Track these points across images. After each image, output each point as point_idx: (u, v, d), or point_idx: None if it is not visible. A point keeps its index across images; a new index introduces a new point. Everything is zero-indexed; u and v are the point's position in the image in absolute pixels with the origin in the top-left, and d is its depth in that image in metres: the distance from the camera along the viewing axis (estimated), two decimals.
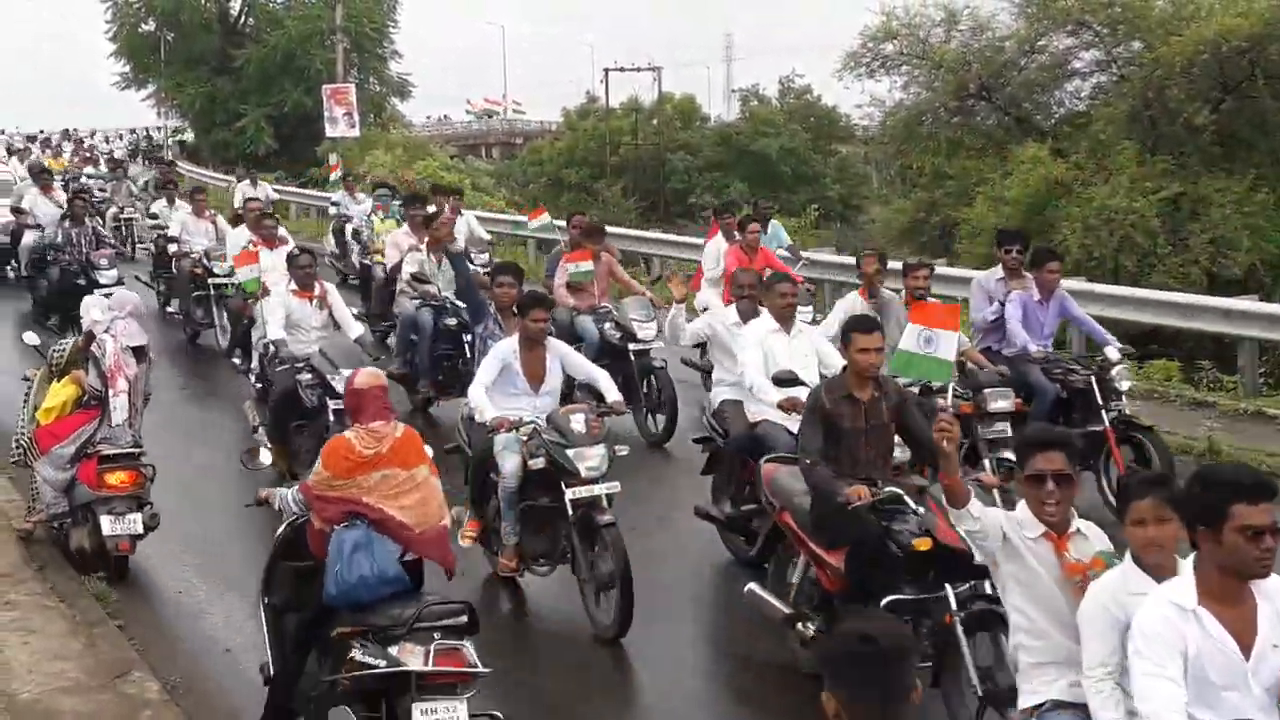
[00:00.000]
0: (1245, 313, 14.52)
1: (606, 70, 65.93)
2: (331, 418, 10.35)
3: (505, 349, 8.90)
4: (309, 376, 10.99)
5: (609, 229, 28.84)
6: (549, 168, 64.74)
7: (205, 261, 17.40)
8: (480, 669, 6.01)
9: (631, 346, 12.97)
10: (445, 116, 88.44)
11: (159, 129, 71.90)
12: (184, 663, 7.95)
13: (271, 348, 11.70)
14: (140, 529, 9.22)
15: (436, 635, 5.99)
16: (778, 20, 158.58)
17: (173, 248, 18.30)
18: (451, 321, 13.28)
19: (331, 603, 6.27)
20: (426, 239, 13.78)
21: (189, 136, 66.50)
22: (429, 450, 6.80)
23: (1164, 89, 27.55)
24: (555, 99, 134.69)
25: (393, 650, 5.98)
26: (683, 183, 61.57)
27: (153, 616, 8.72)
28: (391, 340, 14.82)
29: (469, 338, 12.22)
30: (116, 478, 9.19)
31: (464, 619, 6.11)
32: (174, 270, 18.53)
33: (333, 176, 26.43)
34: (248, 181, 27.36)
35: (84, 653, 7.77)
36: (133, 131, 74.60)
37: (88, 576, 9.06)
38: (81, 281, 17.24)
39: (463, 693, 5.99)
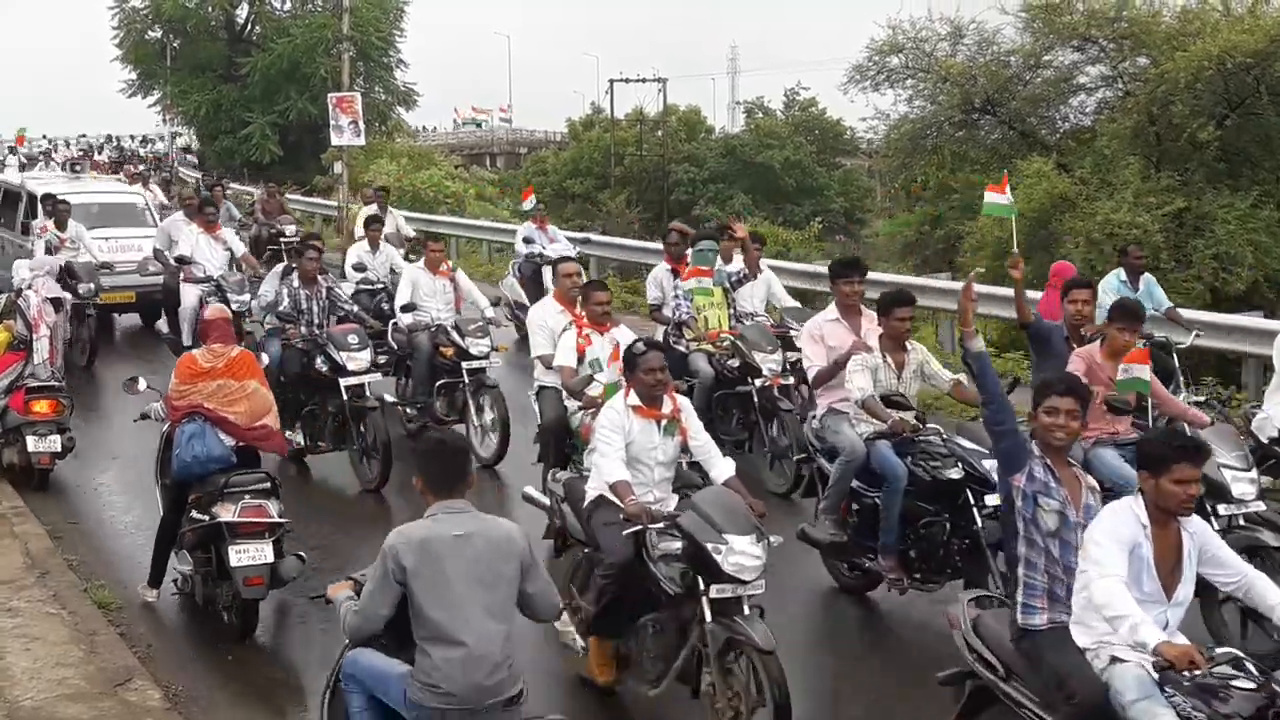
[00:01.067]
0: (1248, 329, 14.51)
1: (612, 81, 65.98)
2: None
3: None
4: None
5: (610, 240, 28.87)
6: (553, 178, 64.79)
7: (455, 336, 12.92)
8: (279, 520, 8.41)
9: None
10: (434, 128, 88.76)
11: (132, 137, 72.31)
12: (186, 670, 7.94)
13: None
14: (59, 448, 11.63)
15: (246, 496, 8.37)
16: (783, 33, 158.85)
17: (406, 319, 13.30)
18: None
19: (177, 476, 8.67)
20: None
21: (193, 143, 66.56)
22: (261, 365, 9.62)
23: (1169, 105, 27.54)
24: (560, 109, 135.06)
25: (214, 509, 8.34)
26: (687, 194, 61.59)
27: (154, 624, 8.71)
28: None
29: None
30: (40, 406, 11.61)
31: (266, 485, 8.55)
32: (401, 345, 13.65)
33: (526, 205, 20.01)
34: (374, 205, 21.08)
35: (86, 660, 7.78)
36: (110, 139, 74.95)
37: (90, 583, 9.08)
38: (323, 368, 12.03)
39: (269, 538, 8.32)
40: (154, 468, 9.59)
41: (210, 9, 59.03)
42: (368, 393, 11.78)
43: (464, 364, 12.52)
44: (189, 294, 15.94)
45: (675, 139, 65.60)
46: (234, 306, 14.40)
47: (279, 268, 14.42)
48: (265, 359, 11.53)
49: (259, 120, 55.42)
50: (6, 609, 8.51)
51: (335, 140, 36.56)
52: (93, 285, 16.17)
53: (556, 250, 17.92)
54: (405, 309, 13.16)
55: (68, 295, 14.63)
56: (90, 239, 17.81)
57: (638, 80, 66.53)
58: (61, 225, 17.50)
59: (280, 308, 12.44)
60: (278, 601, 8.98)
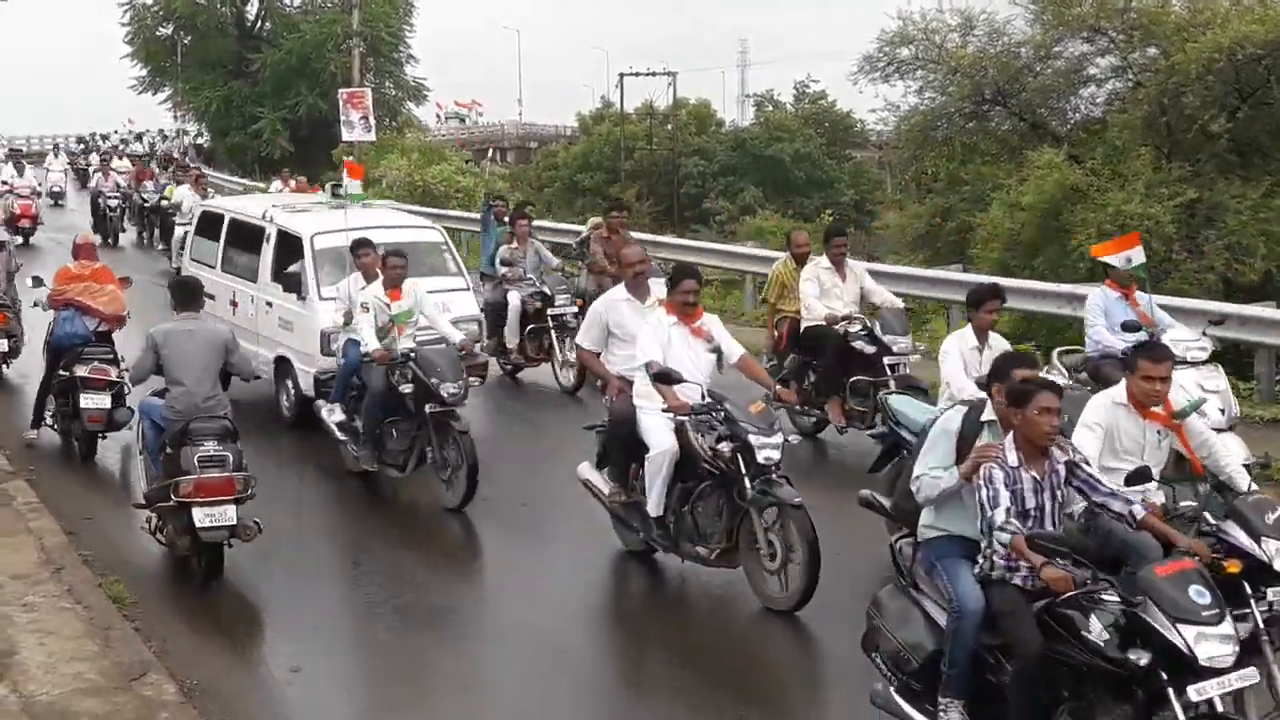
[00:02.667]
0: (1261, 319, 14.49)
1: (621, 75, 65.90)
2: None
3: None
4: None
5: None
6: (564, 172, 64.82)
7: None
8: (117, 378, 12.38)
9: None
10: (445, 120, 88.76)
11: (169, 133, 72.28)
12: (201, 664, 7.97)
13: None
14: (6, 348, 15.39)
15: (95, 361, 12.44)
16: (792, 26, 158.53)
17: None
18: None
19: (55, 345, 12.87)
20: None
21: (202, 139, 66.64)
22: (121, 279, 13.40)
23: (1180, 95, 27.46)
24: (570, 103, 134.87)
25: (76, 368, 12.38)
26: (697, 187, 61.57)
27: (169, 618, 8.74)
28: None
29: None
30: None
31: (110, 354, 12.62)
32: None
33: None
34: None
35: (101, 654, 7.80)
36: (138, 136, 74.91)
37: (104, 578, 9.13)
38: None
39: (108, 391, 12.39)
40: (43, 342, 13.47)
41: (221, 5, 59.16)
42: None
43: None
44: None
45: (685, 132, 65.55)
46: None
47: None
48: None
49: (270, 116, 55.52)
50: (22, 604, 8.55)
51: (346, 135, 36.69)
52: (459, 388, 11.20)
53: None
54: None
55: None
56: (432, 306, 12.27)
57: (647, 74, 66.50)
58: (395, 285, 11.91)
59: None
60: (289, 593, 9.03)
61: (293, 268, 13.82)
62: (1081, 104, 33.49)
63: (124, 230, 33.11)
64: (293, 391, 13.64)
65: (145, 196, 31.75)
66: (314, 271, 13.48)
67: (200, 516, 9.00)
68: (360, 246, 12.26)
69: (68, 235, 20.41)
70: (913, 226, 35.39)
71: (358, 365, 11.67)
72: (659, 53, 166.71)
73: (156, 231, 30.48)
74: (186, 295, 10.34)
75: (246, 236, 14.89)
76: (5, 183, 32.76)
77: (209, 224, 15.97)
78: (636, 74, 66.23)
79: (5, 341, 15.25)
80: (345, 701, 7.59)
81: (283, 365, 13.74)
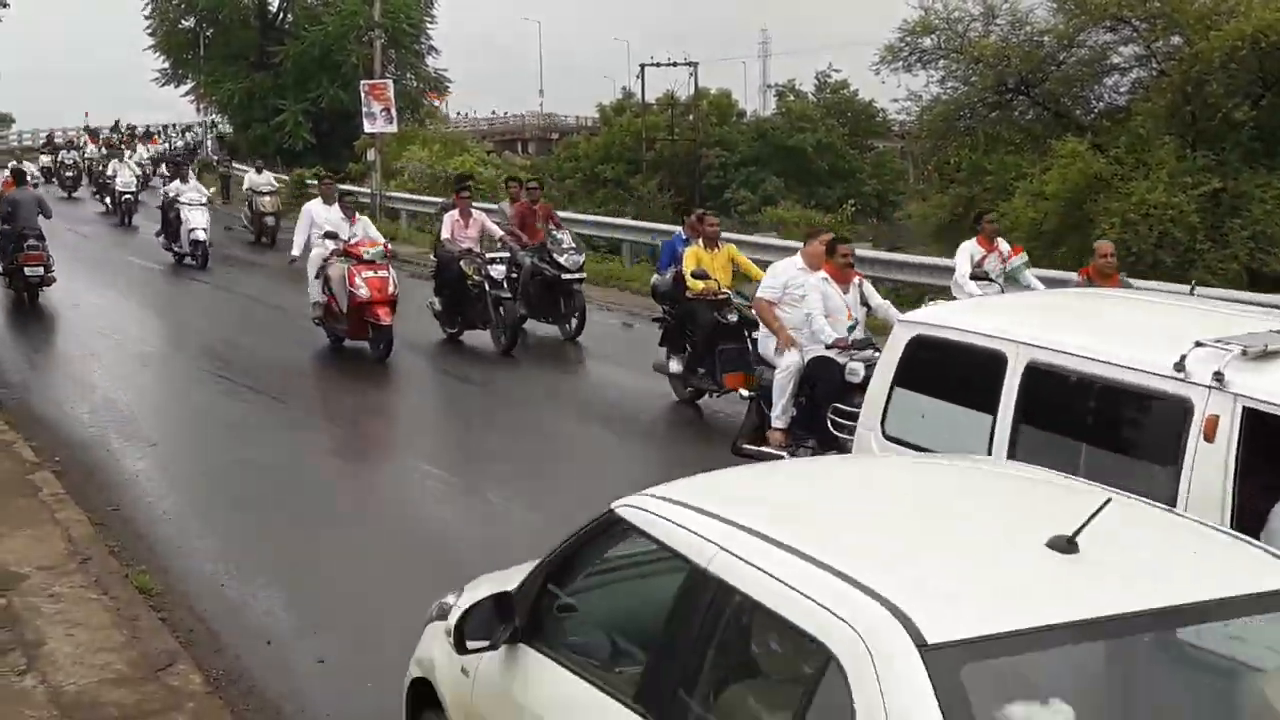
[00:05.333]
0: None
1: (643, 66, 65.83)
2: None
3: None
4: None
5: (641, 225, 29.20)
6: (585, 163, 64.72)
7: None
8: (50, 260, 21.26)
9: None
10: (467, 113, 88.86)
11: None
12: (227, 655, 8.00)
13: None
14: (42, 275, 21.22)
15: (31, 239, 21.10)
16: (814, 16, 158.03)
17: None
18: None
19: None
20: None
21: (208, 131, 66.75)
22: None
23: (1203, 84, 27.34)
24: (591, 94, 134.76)
25: (24, 243, 21.06)
26: (718, 178, 61.46)
27: (196, 609, 8.78)
28: None
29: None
30: None
31: (39, 240, 21.24)
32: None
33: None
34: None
35: (127, 645, 7.84)
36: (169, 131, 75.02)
37: (130, 569, 9.18)
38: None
39: (39, 267, 21.02)
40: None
41: None
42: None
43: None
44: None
45: (706, 123, 65.43)
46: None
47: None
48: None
49: (292, 108, 55.62)
50: (49, 594, 8.59)
51: (368, 127, 36.73)
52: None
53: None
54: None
55: None
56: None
57: (668, 64, 66.36)
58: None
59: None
60: (314, 585, 9.06)
61: None
62: (1105, 93, 33.38)
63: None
64: None
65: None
66: None
67: (28, 271, 20.81)
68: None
69: None
70: (935, 217, 35.27)
71: None
72: (680, 43, 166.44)
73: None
74: (20, 177, 23.79)
75: None
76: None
77: None
78: (657, 64, 66.11)
79: (41, 270, 21.08)
80: (371, 692, 7.60)
81: None
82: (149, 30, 60.42)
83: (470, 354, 18.02)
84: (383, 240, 18.11)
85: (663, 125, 64.54)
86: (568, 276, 18.29)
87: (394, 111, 37.07)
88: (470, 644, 4.92)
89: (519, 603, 4.96)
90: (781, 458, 10.39)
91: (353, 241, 17.42)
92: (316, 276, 17.68)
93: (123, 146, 47.47)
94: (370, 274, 16.82)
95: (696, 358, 13.95)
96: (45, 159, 50.59)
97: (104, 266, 27.70)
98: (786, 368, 11.06)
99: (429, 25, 58.76)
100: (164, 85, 62.89)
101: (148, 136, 59.72)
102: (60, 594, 8.62)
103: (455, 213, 18.45)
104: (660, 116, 65.20)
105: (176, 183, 28.39)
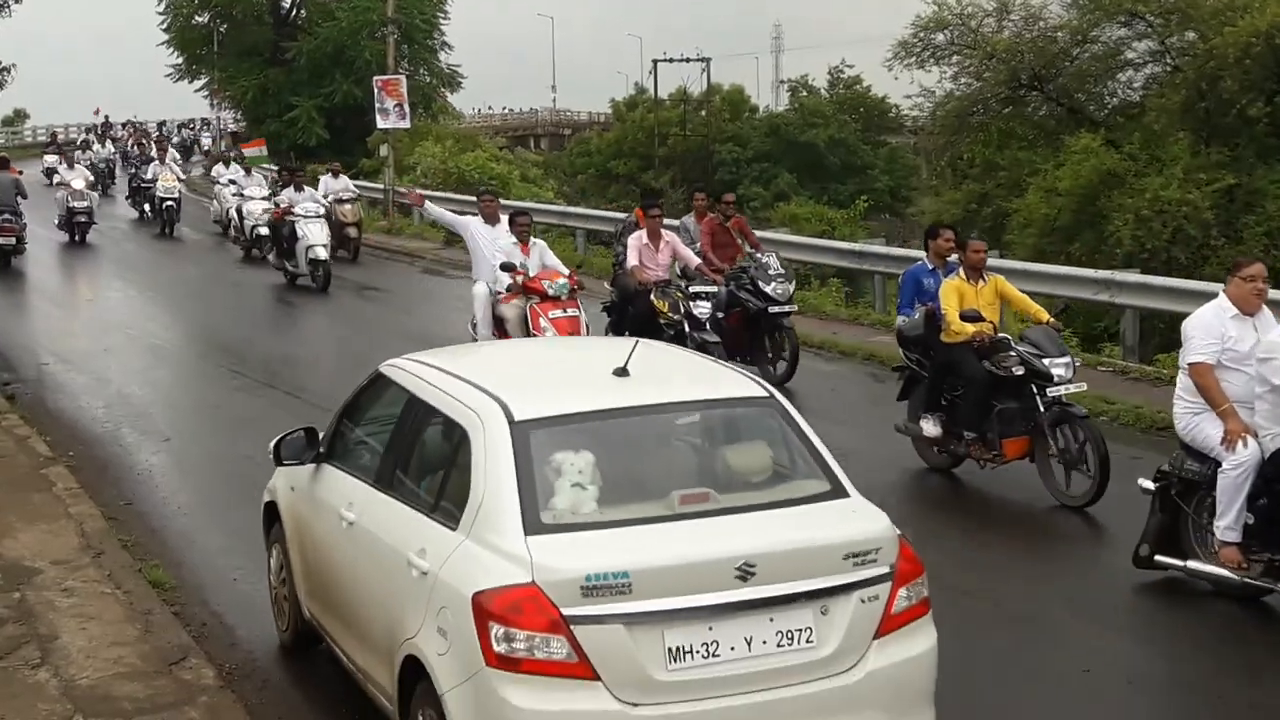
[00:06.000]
0: None
1: (655, 61, 65.94)
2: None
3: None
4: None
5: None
6: (597, 159, 64.79)
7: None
8: (20, 236, 25.76)
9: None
10: (481, 109, 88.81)
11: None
12: (240, 649, 8.02)
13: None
14: (14, 244, 25.39)
15: (7, 214, 25.53)
16: (827, 11, 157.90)
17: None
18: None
19: None
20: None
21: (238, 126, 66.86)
22: None
23: (1218, 80, 27.28)
24: (603, 90, 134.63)
25: None
26: (731, 174, 61.46)
27: (209, 603, 8.80)
28: None
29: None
30: None
31: (13, 216, 25.55)
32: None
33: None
34: None
35: (140, 639, 7.86)
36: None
37: (144, 563, 9.21)
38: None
39: (11, 236, 25.53)
40: None
41: None
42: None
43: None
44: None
45: (719, 118, 65.44)
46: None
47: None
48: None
49: (305, 104, 55.65)
50: (62, 589, 8.62)
51: (381, 123, 36.73)
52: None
53: None
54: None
55: None
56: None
57: (681, 60, 66.47)
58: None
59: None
60: None
61: None
62: (1119, 88, 33.39)
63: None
64: None
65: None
66: None
67: (0, 241, 24.60)
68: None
69: None
70: (948, 212, 35.25)
71: None
72: (693, 39, 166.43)
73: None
74: (3, 163, 26.10)
75: None
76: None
77: None
78: (670, 60, 66.23)
79: (14, 240, 25.39)
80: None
81: None
82: (163, 26, 60.53)
83: None
84: (566, 271, 14.41)
85: (675, 121, 64.57)
86: (776, 309, 14.91)
87: (407, 107, 37.08)
88: (286, 462, 7.59)
89: (323, 435, 7.60)
90: (1232, 580, 8.34)
91: (532, 274, 14.08)
92: (479, 318, 14.54)
93: (160, 146, 41.91)
94: (558, 314, 13.68)
95: (965, 419, 11.19)
96: (51, 159, 47.15)
97: (204, 289, 24.72)
98: (1240, 465, 8.20)
99: (442, 21, 58.75)
100: (178, 81, 63.02)
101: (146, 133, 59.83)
102: (74, 588, 8.64)
103: (642, 234, 14.90)
104: (673, 112, 65.22)
105: (290, 191, 24.36)
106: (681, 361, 7.53)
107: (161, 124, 69.73)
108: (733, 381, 6.70)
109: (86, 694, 7.15)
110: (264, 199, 27.36)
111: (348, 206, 27.82)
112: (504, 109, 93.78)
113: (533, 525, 5.61)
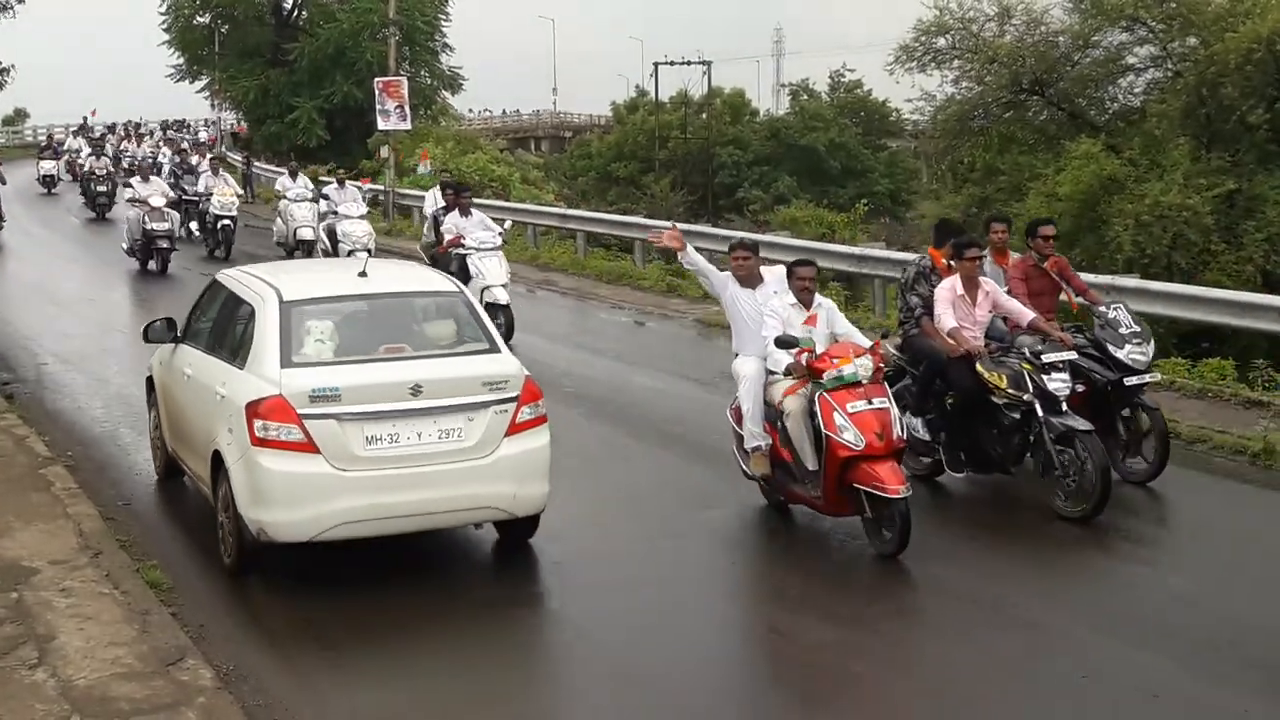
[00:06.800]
0: None
1: (656, 64, 65.93)
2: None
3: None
4: None
5: (651, 222, 29.14)
6: (597, 161, 64.79)
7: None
8: None
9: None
10: (484, 112, 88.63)
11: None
12: (237, 651, 8.01)
13: None
14: None
15: None
16: (828, 15, 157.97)
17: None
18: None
19: None
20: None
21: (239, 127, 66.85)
22: None
23: (1219, 86, 27.29)
24: (604, 93, 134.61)
25: None
26: (731, 177, 61.56)
27: (206, 604, 8.80)
28: None
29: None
30: None
31: None
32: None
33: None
34: None
35: (138, 639, 7.85)
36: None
37: (142, 563, 9.20)
38: None
39: None
40: None
41: None
42: None
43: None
44: None
45: (719, 122, 65.48)
46: None
47: None
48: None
49: (306, 105, 55.65)
50: (60, 589, 8.61)
51: (381, 125, 36.77)
52: None
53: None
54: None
55: None
56: None
57: (682, 63, 66.46)
58: None
59: None
60: (328, 582, 9.07)
61: None
62: (1120, 94, 33.36)
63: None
64: None
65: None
66: None
67: None
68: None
69: None
70: (948, 216, 35.24)
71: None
72: (694, 42, 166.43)
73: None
74: None
75: None
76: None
77: None
78: (671, 63, 66.22)
79: None
80: (382, 688, 7.61)
81: None
82: (164, 26, 60.53)
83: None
84: (866, 342, 10.05)
85: (676, 124, 64.61)
86: (1134, 381, 11.13)
87: (408, 109, 37.11)
88: (151, 339, 11.19)
89: (180, 323, 11.07)
90: None
91: (818, 351, 9.91)
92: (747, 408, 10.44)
93: (199, 153, 38.39)
94: (860, 406, 9.52)
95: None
96: (49, 165, 47.96)
97: None
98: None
99: (443, 23, 58.76)
100: (179, 81, 63.03)
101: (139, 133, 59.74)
102: (71, 588, 8.63)
103: (955, 281, 11.01)
104: (673, 115, 65.26)
105: (455, 216, 18.68)
106: (406, 270, 11.70)
107: (138, 124, 67.97)
108: (435, 280, 10.63)
109: (84, 694, 7.14)
110: (362, 218, 24.39)
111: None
112: (503, 111, 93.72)
113: (286, 362, 8.98)
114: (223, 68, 59.10)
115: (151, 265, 25.75)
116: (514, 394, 9.14)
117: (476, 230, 18.03)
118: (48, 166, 47.80)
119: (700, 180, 61.96)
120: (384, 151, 37.45)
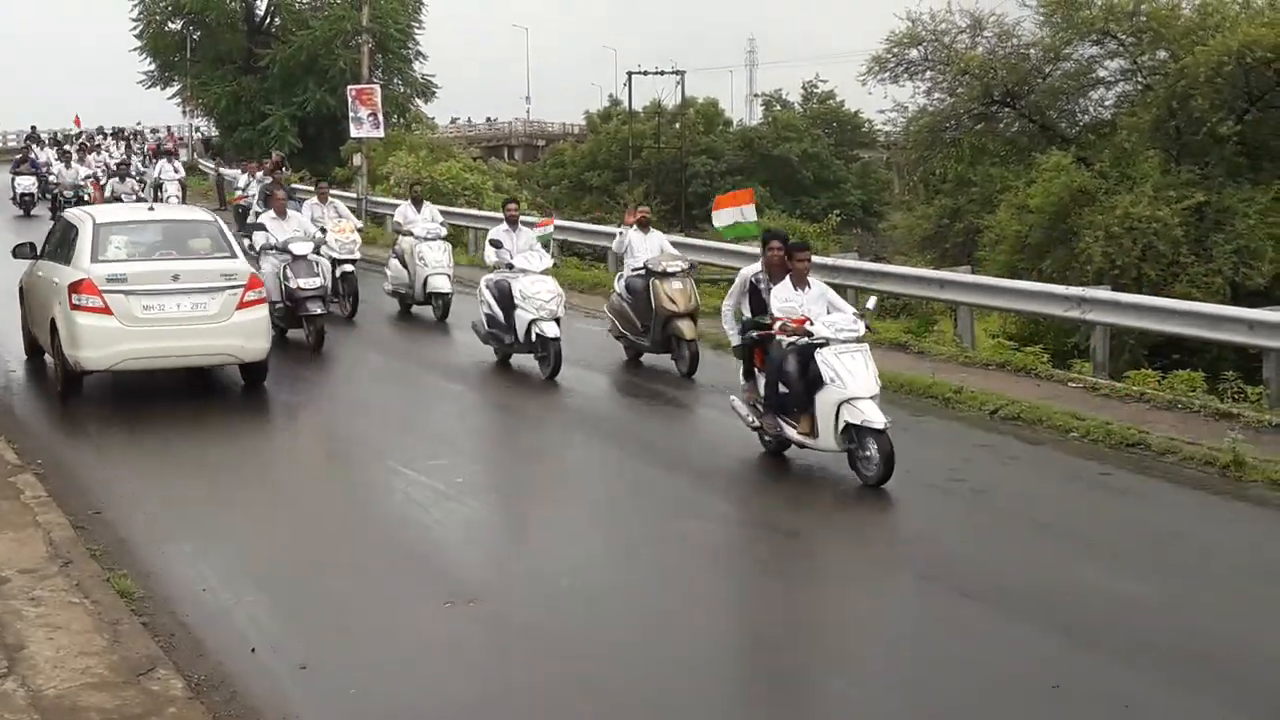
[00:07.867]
0: (1271, 323, 14.44)
1: (630, 73, 66.01)
2: None
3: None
4: None
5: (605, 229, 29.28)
6: (571, 170, 64.81)
7: None
8: None
9: None
10: (460, 120, 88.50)
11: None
12: (209, 660, 7.97)
13: None
14: None
15: None
16: (801, 25, 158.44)
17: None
18: None
19: None
20: None
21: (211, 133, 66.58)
22: None
23: (1189, 98, 27.47)
24: (578, 102, 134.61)
25: None
26: (704, 186, 61.58)
27: (177, 614, 8.75)
28: None
29: None
30: None
31: None
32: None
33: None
34: None
35: (108, 649, 7.81)
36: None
37: (112, 573, 9.14)
38: None
39: None
40: None
41: (230, 1, 59.16)
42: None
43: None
44: None
45: (693, 131, 65.59)
46: None
47: None
48: None
49: (278, 112, 55.47)
50: (30, 598, 8.56)
51: (354, 132, 36.66)
52: None
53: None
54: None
55: None
56: None
57: (656, 73, 66.57)
58: None
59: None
60: (319, 593, 9.03)
61: None
62: (1090, 106, 33.59)
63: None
64: None
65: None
66: None
67: None
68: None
69: None
70: (920, 228, 35.43)
71: None
72: (667, 52, 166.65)
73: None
74: None
75: None
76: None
77: None
78: (645, 73, 66.33)
79: None
80: (353, 698, 7.59)
81: None
82: (135, 32, 60.27)
83: None
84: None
85: (649, 133, 64.70)
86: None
87: (381, 116, 37.03)
88: (18, 257, 16.80)
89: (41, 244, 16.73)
90: None
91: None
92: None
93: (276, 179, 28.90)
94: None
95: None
96: (26, 182, 41.08)
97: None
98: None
99: (417, 31, 58.67)
100: (150, 88, 62.74)
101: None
102: (41, 597, 8.58)
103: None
104: (647, 124, 65.35)
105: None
106: (183, 209, 20.25)
107: (99, 129, 66.18)
108: (199, 214, 17.35)
109: (54, 704, 7.10)
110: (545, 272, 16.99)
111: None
112: (487, 120, 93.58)
113: (94, 260, 14.45)
114: (195, 74, 58.88)
115: (300, 334, 18.53)
116: (243, 283, 14.63)
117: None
118: (24, 183, 41.03)
119: (674, 189, 62.06)
120: (356, 159, 37.36)
